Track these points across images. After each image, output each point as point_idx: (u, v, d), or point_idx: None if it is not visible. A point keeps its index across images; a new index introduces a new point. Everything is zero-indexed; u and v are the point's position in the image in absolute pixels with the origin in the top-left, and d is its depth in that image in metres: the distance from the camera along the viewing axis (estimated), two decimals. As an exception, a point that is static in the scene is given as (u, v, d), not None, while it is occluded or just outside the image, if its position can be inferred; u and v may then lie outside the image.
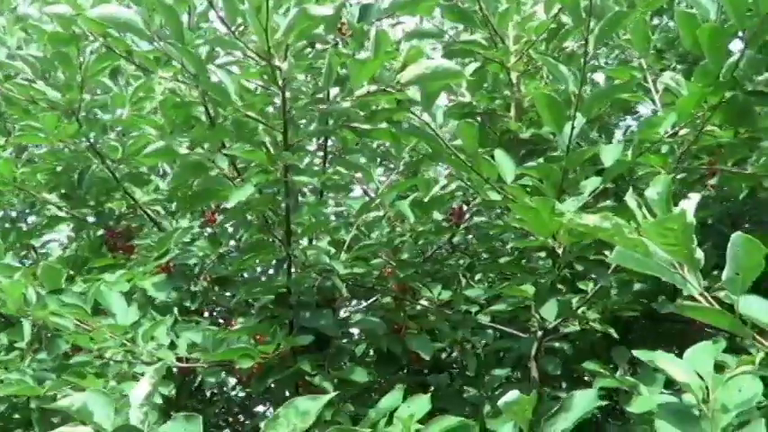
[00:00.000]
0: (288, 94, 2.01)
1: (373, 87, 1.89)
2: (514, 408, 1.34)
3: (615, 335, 2.47)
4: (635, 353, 1.66)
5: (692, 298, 1.17)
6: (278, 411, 1.12)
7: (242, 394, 3.02)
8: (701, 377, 1.41)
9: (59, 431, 1.13)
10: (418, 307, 2.49)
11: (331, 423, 2.10)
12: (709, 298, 1.15)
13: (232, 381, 2.91)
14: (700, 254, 1.13)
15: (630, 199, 1.22)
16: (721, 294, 1.17)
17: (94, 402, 1.20)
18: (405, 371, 2.71)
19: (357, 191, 3.05)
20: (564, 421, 1.36)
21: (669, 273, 1.15)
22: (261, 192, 2.21)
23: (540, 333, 2.38)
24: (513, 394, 1.34)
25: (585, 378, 2.98)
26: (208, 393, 2.86)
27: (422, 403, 1.96)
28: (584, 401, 1.38)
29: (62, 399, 1.21)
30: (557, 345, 2.66)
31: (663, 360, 1.50)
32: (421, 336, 2.42)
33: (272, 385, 2.27)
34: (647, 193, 1.20)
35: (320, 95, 2.02)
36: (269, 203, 2.20)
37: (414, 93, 2.00)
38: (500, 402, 1.34)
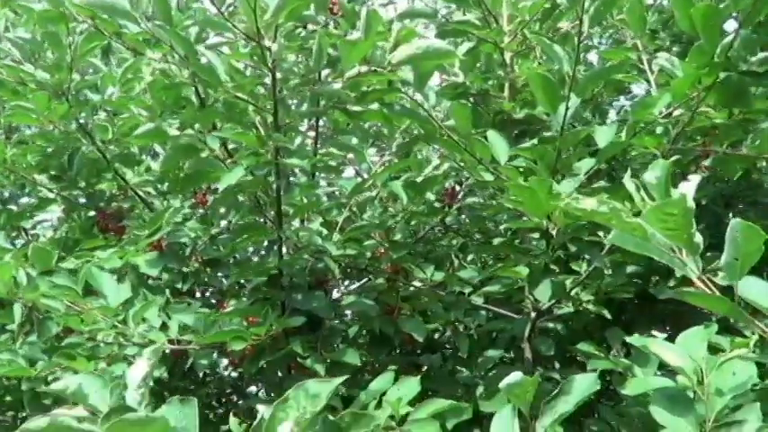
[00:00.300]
0: (279, 75, 1.99)
1: (364, 68, 1.88)
2: (516, 390, 1.33)
3: (608, 316, 2.48)
4: (628, 339, 1.66)
5: (688, 281, 1.16)
6: (288, 393, 1.10)
7: (234, 375, 3.01)
8: (694, 361, 1.42)
9: (55, 413, 1.11)
10: (411, 288, 2.47)
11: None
12: (708, 283, 1.15)
13: (225, 362, 2.90)
14: (699, 238, 1.12)
15: (629, 182, 1.21)
16: (717, 277, 1.17)
17: (89, 385, 1.19)
18: (398, 352, 2.70)
19: (350, 171, 3.04)
20: (564, 404, 1.35)
21: (668, 256, 1.14)
22: (252, 173, 2.20)
23: (533, 314, 2.37)
24: (515, 376, 1.33)
25: (579, 359, 2.98)
26: (200, 374, 2.85)
27: (411, 386, 1.95)
28: (584, 385, 1.37)
29: (56, 382, 1.20)
30: (550, 326, 2.66)
31: (656, 345, 1.50)
32: (414, 317, 2.42)
33: (265, 367, 2.25)
34: (645, 177, 1.19)
35: (311, 76, 2.00)
36: (260, 185, 2.19)
37: (406, 73, 1.99)
38: (501, 384, 1.33)
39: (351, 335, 2.61)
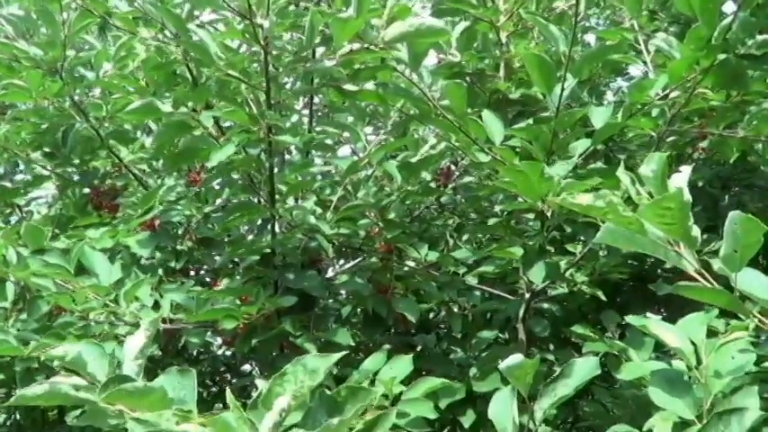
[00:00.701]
0: (272, 53, 1.97)
1: (357, 45, 1.85)
2: (516, 372, 1.32)
3: (603, 297, 2.47)
4: (627, 318, 1.65)
5: (686, 274, 1.15)
6: (286, 368, 1.09)
7: (228, 354, 3.00)
8: (693, 344, 1.41)
9: (52, 380, 1.10)
10: (405, 268, 2.46)
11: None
12: (707, 275, 1.14)
13: (219, 341, 2.89)
14: (696, 231, 1.11)
15: (623, 174, 1.19)
16: (715, 266, 1.15)
17: (89, 353, 1.18)
18: (392, 332, 2.69)
19: (346, 150, 3.03)
20: (564, 387, 1.36)
21: (664, 250, 1.14)
22: (246, 151, 2.18)
23: (527, 295, 2.36)
24: (515, 358, 1.32)
25: (574, 341, 2.97)
26: (194, 353, 2.84)
27: (404, 365, 1.95)
28: (584, 369, 1.38)
29: (56, 348, 1.18)
30: (545, 306, 2.64)
31: (655, 326, 1.49)
32: (407, 297, 2.41)
33: (257, 346, 2.23)
34: (641, 171, 1.17)
35: (303, 54, 1.98)
36: (253, 163, 2.17)
37: (401, 53, 1.97)
38: (501, 366, 1.33)
39: (344, 315, 2.60)
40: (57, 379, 1.12)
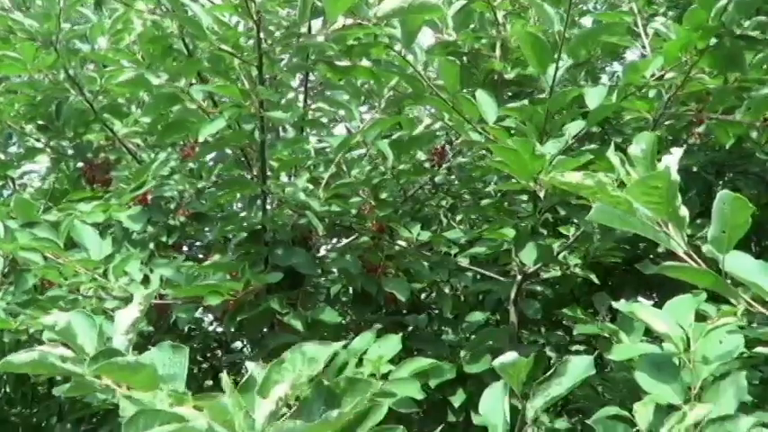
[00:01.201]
0: (265, 27, 1.95)
1: (349, 21, 1.83)
2: (510, 370, 1.28)
3: (596, 280, 2.46)
4: (614, 305, 1.63)
5: (674, 255, 1.13)
6: (284, 355, 1.05)
7: (220, 330, 2.99)
8: (681, 328, 1.39)
9: (40, 349, 1.07)
10: (396, 247, 2.45)
11: (302, 362, 2.08)
12: (695, 256, 1.12)
13: (211, 317, 2.89)
14: (684, 211, 1.10)
15: (613, 155, 1.17)
16: (704, 248, 1.14)
17: (79, 323, 1.13)
18: (383, 312, 2.67)
19: (341, 130, 3.00)
20: (557, 387, 1.30)
21: (653, 230, 1.12)
22: (240, 126, 2.16)
23: (519, 277, 2.36)
24: (510, 356, 1.27)
25: (565, 323, 2.96)
26: (185, 329, 2.83)
27: (392, 344, 1.94)
28: (579, 368, 1.32)
29: (47, 316, 1.15)
30: (537, 289, 2.63)
31: (643, 311, 1.47)
32: (398, 277, 2.40)
33: (247, 322, 2.22)
34: (630, 150, 1.16)
35: (295, 29, 1.95)
36: (244, 138, 2.15)
37: (396, 30, 1.94)
38: (495, 363, 1.28)
39: (333, 293, 2.60)
40: (44, 348, 1.09)
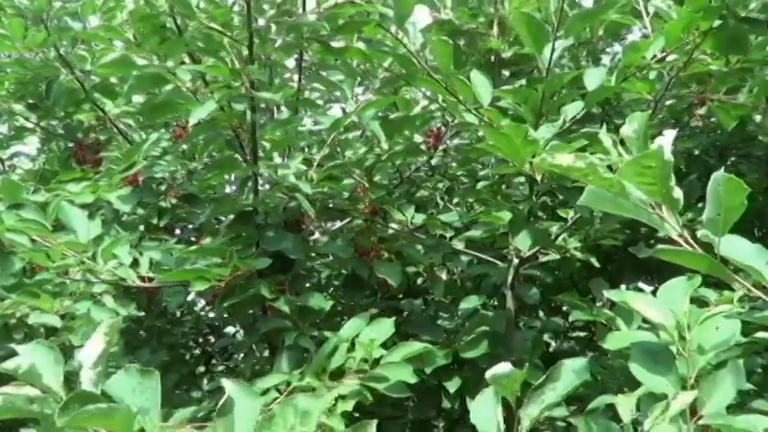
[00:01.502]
0: (256, 5, 1.93)
1: (341, -1, 1.82)
2: (503, 381, 1.24)
3: (596, 263, 2.45)
4: (606, 293, 1.62)
5: (670, 239, 1.12)
6: (274, 410, 1.02)
7: (212, 315, 2.99)
8: (676, 316, 1.37)
9: (4, 392, 1.03)
10: (390, 230, 2.43)
11: (293, 348, 2.08)
12: (690, 239, 1.10)
13: (203, 301, 2.89)
14: (678, 193, 1.07)
15: (605, 137, 1.15)
16: (699, 232, 1.12)
17: (42, 360, 1.06)
18: (378, 297, 2.67)
19: (337, 111, 2.99)
20: (552, 393, 1.25)
21: (646, 213, 1.10)
22: (231, 106, 2.14)
23: (516, 261, 2.34)
24: (503, 367, 1.23)
25: (564, 308, 2.96)
26: (177, 313, 2.83)
27: (384, 328, 1.94)
28: (573, 373, 1.26)
29: (7, 362, 1.09)
30: (535, 273, 2.62)
31: (636, 300, 1.45)
32: (390, 261, 2.39)
33: (239, 306, 2.21)
34: (622, 131, 1.13)
35: (286, 8, 1.93)
36: (235, 119, 2.13)
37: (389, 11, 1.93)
38: (488, 374, 1.23)
39: (324, 278, 2.59)
40: (8, 390, 1.04)
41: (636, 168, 1.04)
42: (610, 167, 1.08)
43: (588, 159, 1.06)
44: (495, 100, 1.96)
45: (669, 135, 1.13)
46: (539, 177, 1.97)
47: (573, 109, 1.97)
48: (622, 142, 1.15)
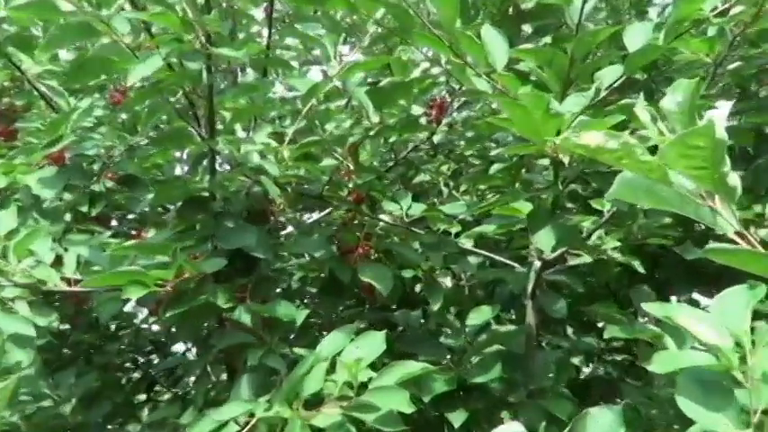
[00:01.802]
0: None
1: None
2: None
3: (640, 268, 2.46)
4: (645, 306, 1.63)
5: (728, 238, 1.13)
6: None
7: (156, 328, 3.01)
8: (735, 334, 1.38)
9: None
10: (380, 224, 2.46)
11: (258, 369, 2.10)
12: (752, 238, 1.11)
13: (145, 310, 2.91)
14: (735, 180, 1.07)
15: (642, 110, 1.17)
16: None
17: None
18: (365, 306, 2.70)
19: (316, 74, 3.01)
20: None
21: (693, 206, 1.10)
22: (182, 65, 2.16)
23: (538, 264, 2.36)
24: (512, 428, 1.25)
25: (598, 324, 2.98)
26: (112, 326, 2.85)
27: (373, 344, 1.93)
28: (602, 427, 1.27)
29: None
30: (563, 279, 2.64)
31: (682, 314, 1.45)
32: (379, 262, 2.40)
33: (188, 316, 2.23)
34: (662, 103, 1.14)
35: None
36: (187, 81, 2.15)
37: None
38: None
39: (299, 282, 2.61)
40: None
41: (681, 149, 1.04)
42: (653, 149, 1.09)
43: (622, 139, 1.07)
44: (512, 62, 1.98)
45: (723, 107, 1.14)
46: (566, 160, 2.00)
47: (610, 75, 1.98)
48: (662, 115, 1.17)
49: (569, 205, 2.50)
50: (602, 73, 1.99)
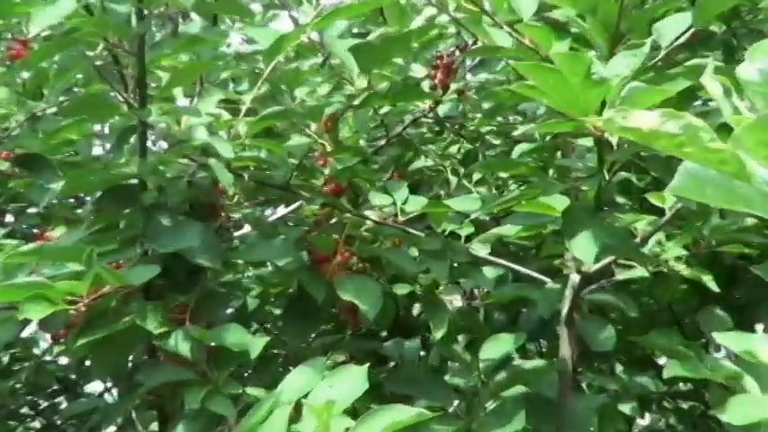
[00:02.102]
0: None
1: None
2: None
3: (714, 287, 2.46)
4: (717, 337, 1.65)
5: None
6: None
7: (63, 361, 3.00)
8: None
9: None
10: (365, 224, 2.47)
11: (199, 415, 2.11)
12: None
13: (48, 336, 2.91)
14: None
15: (710, 80, 1.18)
16: None
17: None
18: (344, 333, 2.71)
19: (285, 22, 3.02)
20: None
21: (780, 207, 1.13)
22: (104, 9, 2.17)
23: (577, 278, 2.36)
24: None
25: (658, 361, 2.99)
26: (5, 358, 2.86)
27: (352, 382, 1.93)
28: None
29: None
30: (610, 299, 2.64)
31: (762, 346, 1.48)
32: (363, 275, 2.39)
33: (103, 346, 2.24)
34: (738, 71, 1.16)
35: None
36: (111, 31, 2.17)
37: None
38: None
39: (257, 299, 2.61)
40: None
41: (763, 134, 1.06)
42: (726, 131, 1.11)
43: (684, 120, 1.08)
44: (543, 9, 2.00)
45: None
46: (614, 139, 2.02)
47: (674, 26, 2.00)
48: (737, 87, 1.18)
49: (619, 200, 2.51)
50: (664, 24, 2.01)
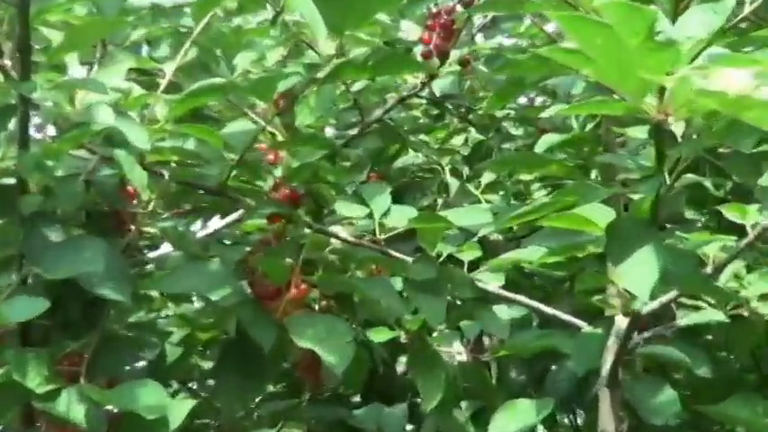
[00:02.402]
0: None
1: None
2: None
3: (812, 338, 2.47)
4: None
5: None
6: None
7: None
8: None
9: None
10: (331, 243, 2.46)
11: None
12: None
13: None
14: None
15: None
16: None
17: None
18: (301, 397, 2.70)
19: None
20: None
21: None
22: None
23: (623, 323, 2.36)
24: None
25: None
26: None
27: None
28: None
29: None
30: (673, 353, 2.62)
31: None
32: (327, 314, 2.38)
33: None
34: None
35: None
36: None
37: None
38: None
39: (180, 346, 2.61)
40: None
41: None
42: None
43: None
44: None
45: None
46: (679, 128, 1.99)
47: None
48: None
49: (685, 212, 2.49)
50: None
